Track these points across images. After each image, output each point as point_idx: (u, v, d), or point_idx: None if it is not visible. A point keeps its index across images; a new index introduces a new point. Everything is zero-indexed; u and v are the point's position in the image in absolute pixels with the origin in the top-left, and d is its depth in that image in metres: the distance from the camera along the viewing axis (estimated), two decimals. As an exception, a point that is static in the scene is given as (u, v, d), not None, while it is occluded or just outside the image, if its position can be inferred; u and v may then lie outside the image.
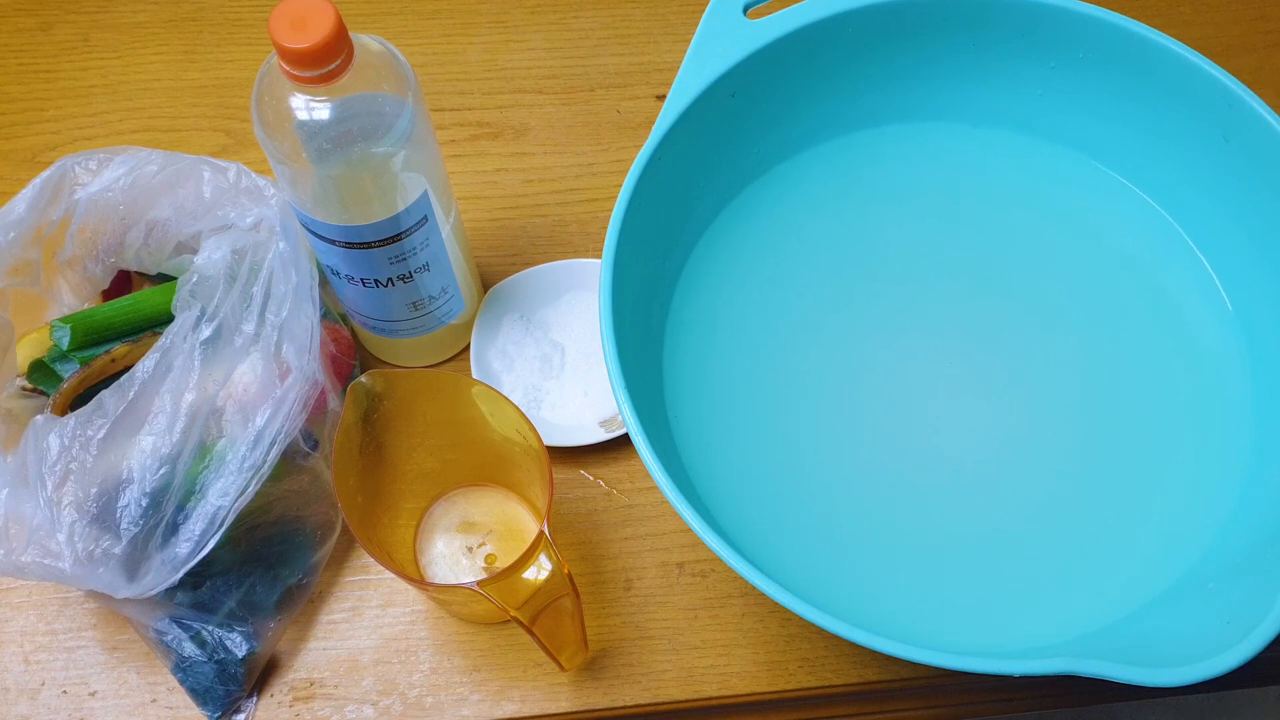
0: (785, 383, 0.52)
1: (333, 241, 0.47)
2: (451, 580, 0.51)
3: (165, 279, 0.52)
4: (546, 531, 0.43)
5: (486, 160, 0.65)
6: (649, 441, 0.42)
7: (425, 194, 0.47)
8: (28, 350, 0.50)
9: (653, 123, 0.49)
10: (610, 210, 0.47)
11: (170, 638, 0.49)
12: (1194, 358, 0.53)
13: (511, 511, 0.53)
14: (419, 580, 0.50)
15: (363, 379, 0.46)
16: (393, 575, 0.46)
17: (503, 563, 0.51)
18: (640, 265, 0.49)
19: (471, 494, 0.53)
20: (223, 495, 0.44)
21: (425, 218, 0.48)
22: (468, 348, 0.57)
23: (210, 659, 0.49)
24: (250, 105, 0.44)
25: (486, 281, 0.59)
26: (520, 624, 0.43)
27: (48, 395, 0.49)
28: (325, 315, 0.54)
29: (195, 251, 0.48)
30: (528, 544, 0.46)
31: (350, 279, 0.50)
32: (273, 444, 0.45)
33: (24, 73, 0.68)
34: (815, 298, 0.54)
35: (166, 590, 0.46)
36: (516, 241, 0.62)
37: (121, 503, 0.43)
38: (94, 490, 0.43)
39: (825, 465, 0.50)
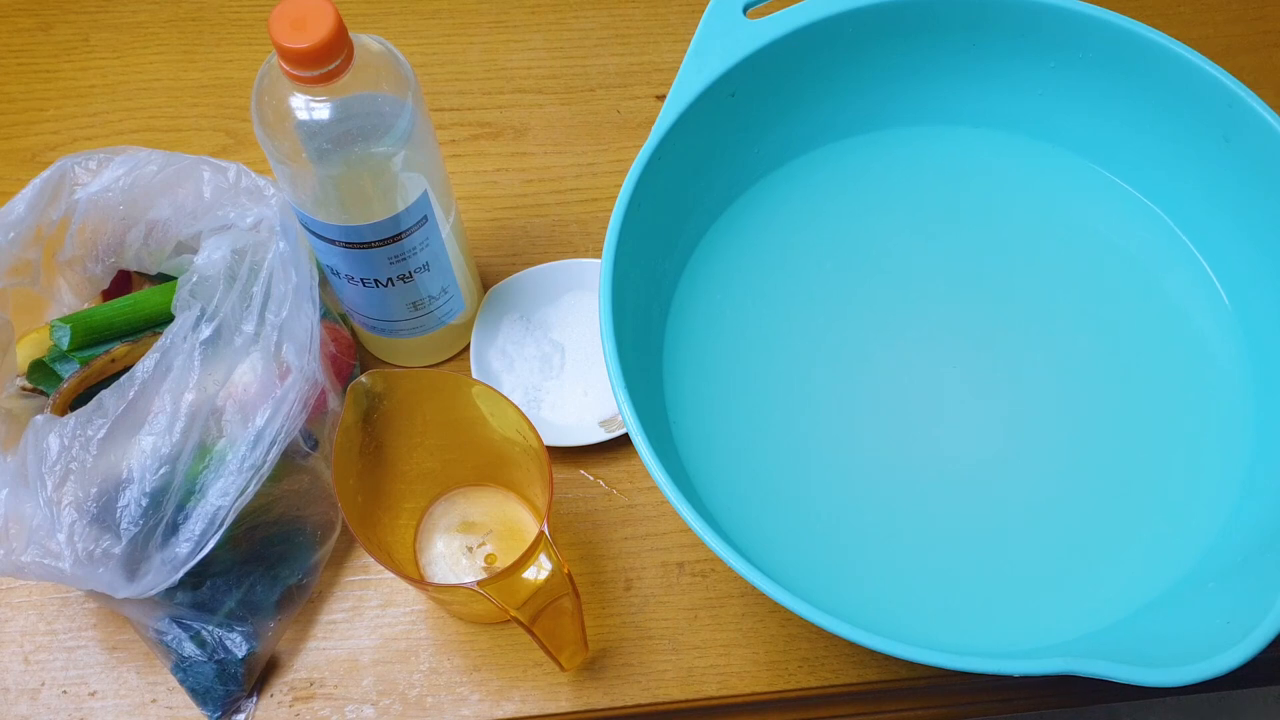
0: (786, 383, 0.52)
1: (333, 241, 0.47)
2: (451, 580, 0.51)
3: (165, 279, 0.52)
4: (546, 531, 0.43)
5: (486, 160, 0.65)
6: (649, 441, 0.42)
7: (425, 194, 0.47)
8: (28, 350, 0.50)
9: (653, 123, 0.49)
10: (610, 210, 0.47)
11: (170, 638, 0.49)
12: (1194, 358, 0.53)
13: (511, 511, 0.53)
14: (419, 580, 0.50)
15: (363, 379, 0.46)
16: (393, 575, 0.46)
17: (503, 563, 0.51)
18: (640, 265, 0.49)
19: (471, 494, 0.53)
20: (223, 495, 0.44)
21: (425, 218, 0.48)
22: (468, 348, 0.57)
23: (210, 659, 0.49)
24: (250, 105, 0.44)
25: (486, 281, 0.59)
26: (520, 624, 0.43)
27: (48, 395, 0.49)
28: (325, 315, 0.54)
29: (195, 251, 0.48)
30: (528, 544, 0.46)
31: (350, 279, 0.50)
32: (273, 444, 0.45)
33: (24, 73, 0.68)
34: (816, 298, 0.54)
35: (166, 590, 0.46)
36: (516, 241, 0.62)
37: (121, 503, 0.43)
38: (94, 490, 0.43)
39: (825, 465, 0.50)
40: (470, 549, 0.52)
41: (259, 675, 0.51)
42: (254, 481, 0.45)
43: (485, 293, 0.58)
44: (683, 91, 0.49)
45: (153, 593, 0.45)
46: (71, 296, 0.52)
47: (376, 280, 0.50)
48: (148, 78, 0.68)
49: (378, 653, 0.51)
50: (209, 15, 0.70)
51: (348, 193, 0.45)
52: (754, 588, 0.40)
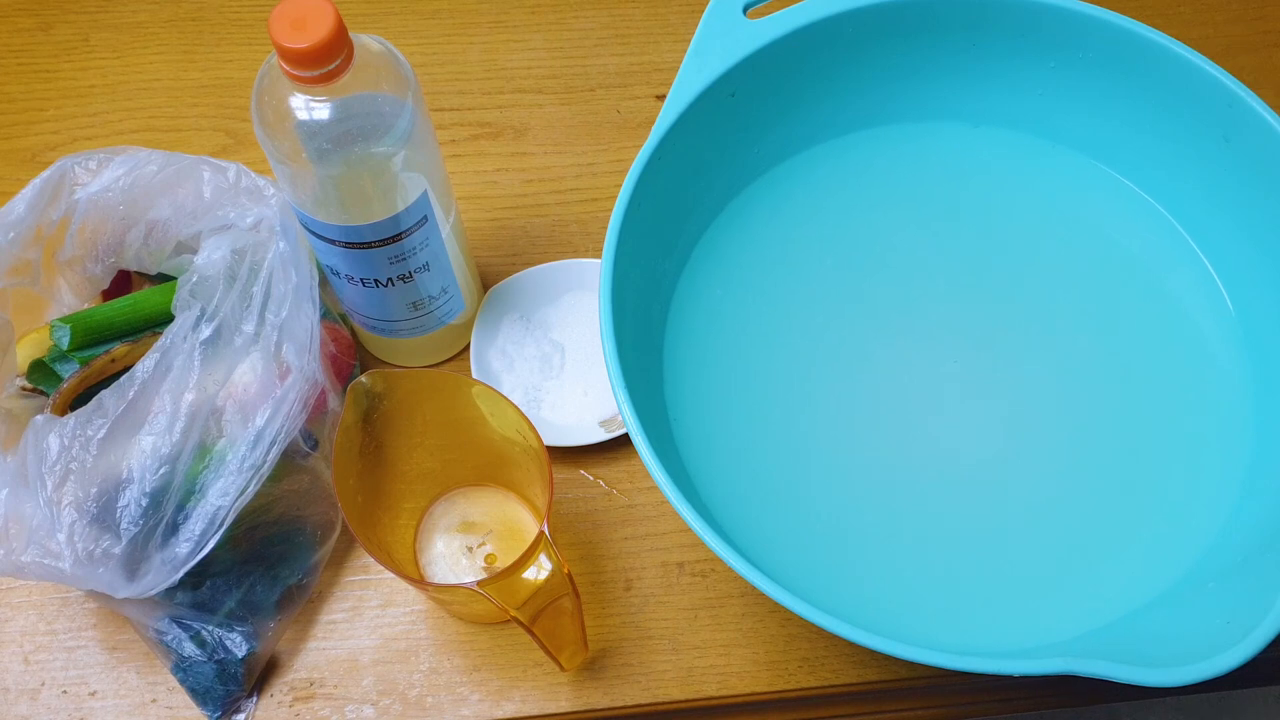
0: (786, 382, 0.52)
1: (333, 241, 0.47)
2: (451, 580, 0.51)
3: (165, 279, 0.52)
4: (546, 531, 0.43)
5: (486, 160, 0.65)
6: (649, 441, 0.42)
7: (425, 194, 0.47)
8: (28, 350, 0.50)
9: (653, 123, 0.49)
10: (610, 210, 0.47)
11: (170, 638, 0.49)
12: (1195, 358, 0.53)
13: (511, 511, 0.53)
14: (419, 580, 0.50)
15: (363, 379, 0.46)
16: (393, 575, 0.46)
17: (503, 563, 0.51)
18: (640, 265, 0.49)
19: (471, 494, 0.53)
20: (223, 495, 0.44)
21: (425, 218, 0.48)
22: (468, 348, 0.57)
23: (210, 659, 0.49)
24: (250, 105, 0.44)
25: (486, 281, 0.59)
26: (520, 624, 0.43)
27: (48, 395, 0.49)
28: (325, 315, 0.54)
29: (195, 251, 0.48)
30: (528, 544, 0.46)
31: (350, 279, 0.50)
32: (273, 444, 0.45)
33: (24, 73, 0.68)
34: (816, 297, 0.54)
35: (166, 590, 0.46)
36: (516, 241, 0.62)
37: (121, 503, 0.43)
38: (94, 490, 0.43)
39: (826, 465, 0.50)
40: (470, 549, 0.52)
41: (259, 675, 0.51)
42: (254, 481, 0.45)
43: (485, 293, 0.58)
44: (683, 91, 0.49)
45: (153, 593, 0.45)
46: (71, 296, 0.52)
47: (376, 280, 0.50)
48: (148, 78, 0.68)
49: (378, 653, 0.51)
50: (209, 15, 0.70)
51: (348, 193, 0.45)
52: (754, 588, 0.40)
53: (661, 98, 0.67)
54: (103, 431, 0.43)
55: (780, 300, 0.54)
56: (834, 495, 0.50)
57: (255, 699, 0.50)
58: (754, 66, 0.51)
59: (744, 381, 0.52)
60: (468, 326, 0.57)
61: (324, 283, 0.52)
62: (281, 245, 0.47)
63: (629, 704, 0.50)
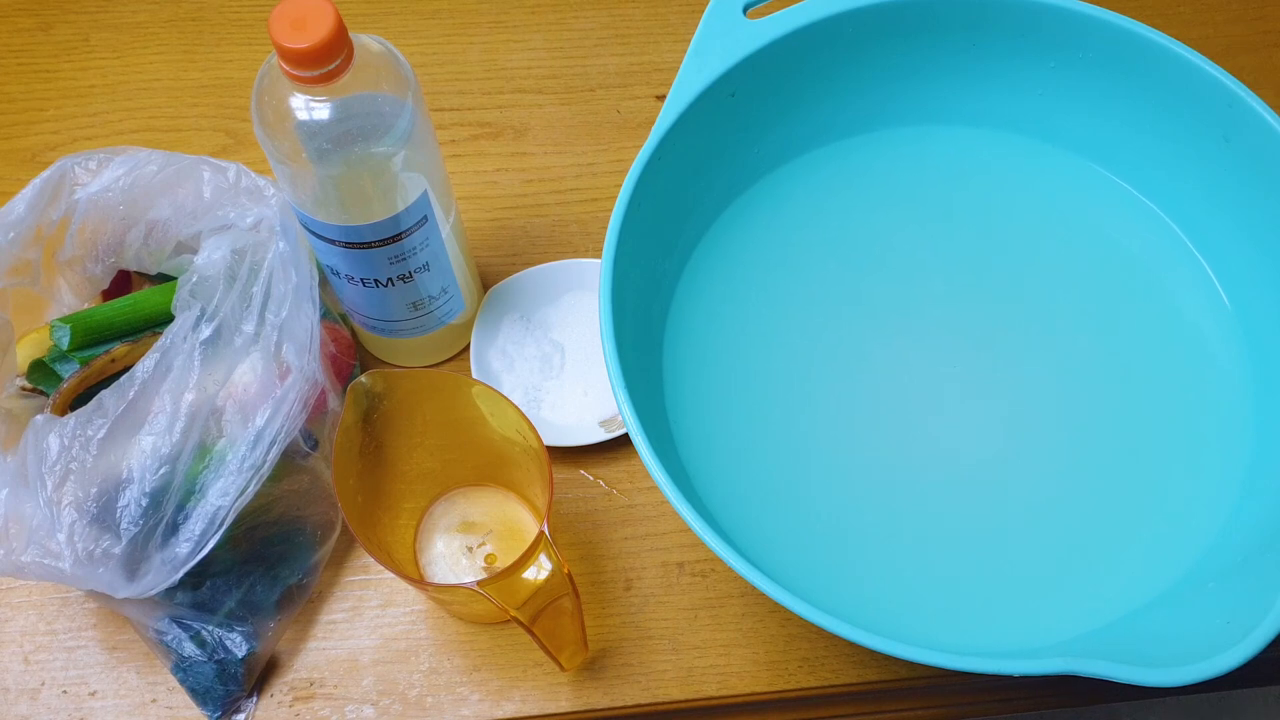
0: (786, 383, 0.52)
1: (333, 241, 0.47)
2: (451, 580, 0.51)
3: (165, 279, 0.52)
4: (546, 531, 0.43)
5: (486, 160, 0.65)
6: (649, 441, 0.42)
7: (425, 194, 0.47)
8: (28, 350, 0.50)
9: (653, 123, 0.50)
10: (610, 210, 0.47)
11: (170, 638, 0.49)
12: (1194, 358, 0.53)
13: (511, 511, 0.53)
14: (419, 580, 0.50)
15: (363, 379, 0.46)
16: (393, 575, 0.46)
17: (503, 563, 0.51)
18: (640, 265, 0.49)
19: (471, 494, 0.53)
20: (223, 495, 0.44)
21: (425, 218, 0.48)
22: (468, 348, 0.57)
23: (210, 659, 0.49)
24: (250, 105, 0.44)
25: (486, 281, 0.59)
26: (520, 624, 0.43)
27: (48, 395, 0.49)
28: (325, 315, 0.54)
29: (195, 251, 0.48)
30: (528, 544, 0.46)
31: (350, 279, 0.50)
32: (273, 444, 0.45)
33: (24, 73, 0.68)
34: (816, 298, 0.54)
35: (166, 590, 0.46)
36: (516, 241, 0.62)
37: (121, 503, 0.43)
38: (94, 490, 0.43)
39: (826, 465, 0.50)
40: (470, 549, 0.52)
41: (259, 675, 0.51)
42: (254, 481, 0.45)
43: (485, 293, 0.58)
44: (683, 91, 0.49)
45: (153, 593, 0.45)
46: (71, 296, 0.52)
47: (376, 280, 0.50)
48: (148, 78, 0.68)
49: (378, 653, 0.51)
50: (209, 15, 0.70)
51: (348, 193, 0.45)
52: (754, 588, 0.40)
53: (661, 98, 0.67)
54: (103, 431, 0.43)
55: (780, 301, 0.54)
56: (834, 495, 0.50)
57: (255, 699, 0.50)
58: (754, 66, 0.51)
59: (744, 381, 0.52)
60: (468, 326, 0.57)
61: (324, 283, 0.52)
62: (281, 245, 0.47)
63: (629, 704, 0.50)
